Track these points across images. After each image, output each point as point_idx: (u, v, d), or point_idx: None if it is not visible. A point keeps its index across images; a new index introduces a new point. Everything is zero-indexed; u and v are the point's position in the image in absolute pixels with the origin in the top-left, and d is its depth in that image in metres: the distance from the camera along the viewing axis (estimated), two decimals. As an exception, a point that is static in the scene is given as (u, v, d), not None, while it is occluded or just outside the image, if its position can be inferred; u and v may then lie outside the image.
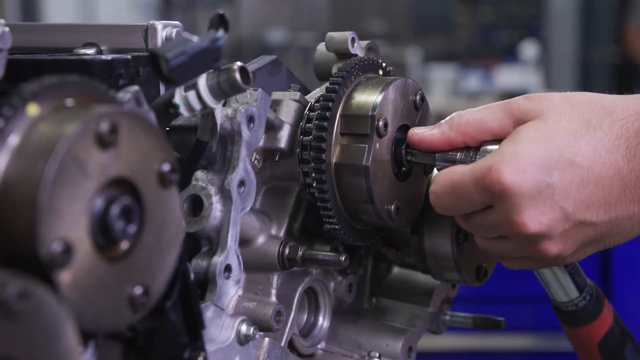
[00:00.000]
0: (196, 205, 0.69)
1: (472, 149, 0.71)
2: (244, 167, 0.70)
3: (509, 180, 0.65)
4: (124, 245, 0.54)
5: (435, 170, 0.76)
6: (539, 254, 0.69)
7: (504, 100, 0.71)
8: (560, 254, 0.68)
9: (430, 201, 0.72)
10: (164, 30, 0.69)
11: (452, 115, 0.72)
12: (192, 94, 0.63)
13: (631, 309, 2.02)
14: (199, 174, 0.70)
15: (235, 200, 0.69)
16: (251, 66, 0.78)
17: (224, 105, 0.69)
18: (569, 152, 0.65)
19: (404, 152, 0.74)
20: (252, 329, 0.69)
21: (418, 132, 0.72)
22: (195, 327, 0.64)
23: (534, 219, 0.65)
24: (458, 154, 0.71)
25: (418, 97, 0.77)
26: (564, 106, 0.67)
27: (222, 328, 0.68)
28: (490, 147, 0.69)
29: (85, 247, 0.51)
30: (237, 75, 0.63)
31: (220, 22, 0.63)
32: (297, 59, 5.51)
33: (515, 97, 0.70)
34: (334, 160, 0.72)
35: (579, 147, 0.65)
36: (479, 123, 0.70)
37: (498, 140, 0.69)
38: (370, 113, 0.72)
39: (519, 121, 0.68)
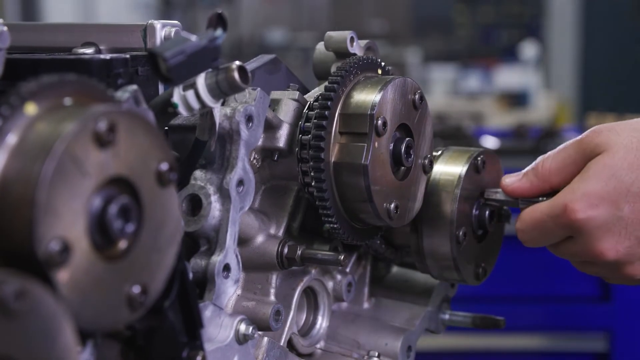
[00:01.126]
0: (195, 205, 0.69)
1: (553, 193, 0.77)
2: (242, 166, 0.70)
3: (584, 217, 0.72)
4: (122, 244, 0.54)
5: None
6: (625, 277, 0.76)
7: (576, 139, 0.76)
8: None
9: (518, 237, 0.78)
10: (162, 29, 0.69)
11: (537, 162, 0.78)
12: (190, 93, 0.63)
13: (631, 309, 2.02)
14: (198, 173, 0.70)
15: (234, 200, 0.69)
16: (250, 65, 0.77)
17: (222, 104, 0.69)
18: (637, 187, 0.71)
19: (485, 192, 0.80)
20: (250, 328, 0.69)
21: (510, 183, 0.79)
22: (193, 327, 0.63)
23: (611, 249, 0.73)
24: (540, 197, 0.78)
25: (417, 96, 0.77)
26: (630, 140, 0.73)
27: (220, 327, 0.68)
28: None
29: (83, 246, 0.51)
30: (236, 75, 0.63)
31: (219, 21, 0.63)
32: (297, 59, 5.51)
33: (586, 132, 0.75)
34: (332, 159, 0.72)
35: None
36: (560, 169, 0.76)
37: None
38: (369, 112, 0.72)
39: (590, 157, 0.74)
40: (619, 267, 0.74)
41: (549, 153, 0.78)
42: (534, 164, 0.78)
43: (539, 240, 0.78)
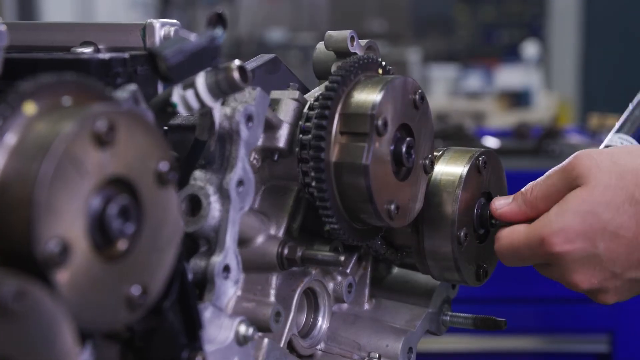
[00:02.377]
0: (194, 205, 0.68)
1: None
2: (242, 166, 0.69)
3: (560, 250, 0.74)
4: (122, 244, 0.53)
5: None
6: (599, 301, 0.79)
7: (560, 167, 0.78)
8: (618, 300, 0.78)
9: (498, 256, 0.81)
10: (162, 28, 0.69)
11: (526, 188, 0.80)
12: (190, 93, 0.63)
13: (634, 310, 2.01)
14: (198, 173, 0.69)
15: (233, 200, 0.68)
16: (250, 65, 0.77)
17: (222, 104, 0.69)
18: (613, 226, 0.73)
19: (488, 215, 0.82)
20: (251, 329, 0.69)
21: (499, 207, 0.81)
22: (193, 328, 0.63)
23: (585, 281, 0.75)
24: None
25: (418, 96, 0.76)
26: (610, 176, 0.74)
27: (220, 328, 0.67)
28: None
29: (83, 247, 0.50)
30: (236, 74, 0.63)
31: (219, 20, 0.63)
32: (296, 59, 5.50)
33: (569, 159, 0.77)
34: (333, 159, 0.72)
35: (622, 221, 0.73)
36: (545, 197, 0.78)
37: None
38: (369, 112, 0.71)
39: (572, 187, 0.76)
40: (593, 294, 0.78)
41: (538, 180, 0.79)
42: (524, 189, 0.80)
43: (515, 263, 0.80)
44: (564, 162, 0.77)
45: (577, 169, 0.75)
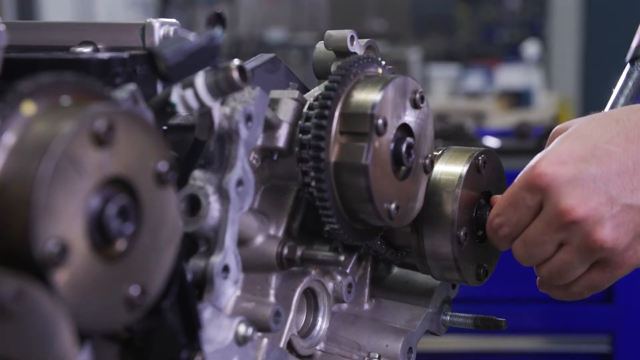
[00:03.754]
0: (194, 205, 0.68)
1: None
2: (242, 166, 0.69)
3: (551, 171, 0.72)
4: (121, 244, 0.53)
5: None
6: (595, 248, 0.71)
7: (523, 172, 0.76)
8: (615, 245, 0.71)
9: (492, 226, 0.78)
10: (161, 28, 0.69)
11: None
12: (189, 93, 0.63)
13: (634, 310, 2.01)
14: (197, 173, 0.69)
15: (233, 200, 0.68)
16: (249, 64, 0.77)
17: (221, 103, 0.69)
18: (603, 142, 0.72)
19: (487, 215, 0.80)
20: (250, 329, 0.69)
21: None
22: (192, 328, 0.63)
23: (580, 204, 0.71)
24: None
25: (418, 95, 0.76)
26: (591, 116, 0.76)
27: (220, 329, 0.67)
28: None
29: (81, 247, 0.50)
30: (235, 74, 0.63)
31: (218, 20, 0.63)
32: (296, 58, 5.50)
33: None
34: (333, 159, 0.72)
35: (611, 136, 0.72)
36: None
37: None
38: (369, 111, 0.71)
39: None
40: (590, 231, 0.71)
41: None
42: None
43: (512, 217, 0.75)
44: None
45: (564, 127, 0.77)
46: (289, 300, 0.76)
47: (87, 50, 0.69)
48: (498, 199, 0.79)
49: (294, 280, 0.77)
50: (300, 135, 0.73)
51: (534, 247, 0.75)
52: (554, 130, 0.78)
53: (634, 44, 0.91)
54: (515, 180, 0.76)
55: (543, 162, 0.72)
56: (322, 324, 0.82)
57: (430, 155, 0.78)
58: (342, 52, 0.79)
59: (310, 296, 0.82)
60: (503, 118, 4.70)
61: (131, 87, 0.59)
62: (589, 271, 0.75)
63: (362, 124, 0.71)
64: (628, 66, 0.91)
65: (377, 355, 0.81)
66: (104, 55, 0.63)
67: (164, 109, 0.63)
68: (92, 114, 0.51)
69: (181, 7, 6.60)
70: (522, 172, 0.75)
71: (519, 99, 5.29)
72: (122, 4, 5.40)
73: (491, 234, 0.79)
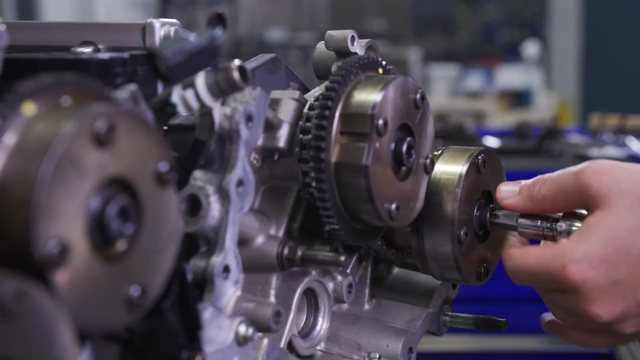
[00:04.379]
0: (194, 205, 0.68)
1: (550, 219, 0.78)
2: (242, 166, 0.69)
3: (581, 279, 0.71)
4: (121, 245, 0.53)
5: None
6: (616, 333, 0.75)
7: (574, 172, 0.74)
8: (637, 331, 0.75)
9: (508, 275, 0.78)
10: (161, 28, 0.69)
11: (534, 182, 0.78)
12: (190, 93, 0.63)
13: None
14: (197, 173, 0.69)
15: (233, 200, 0.68)
16: (250, 65, 0.77)
17: (222, 104, 0.69)
18: (636, 251, 0.71)
19: (488, 215, 0.81)
20: (250, 329, 0.69)
21: (505, 197, 0.79)
22: (193, 328, 0.63)
23: (607, 310, 0.72)
24: (539, 222, 0.78)
25: (418, 95, 0.76)
26: (632, 199, 0.72)
27: (220, 329, 0.67)
28: (563, 225, 0.77)
29: (82, 247, 0.50)
30: (236, 74, 0.63)
31: (218, 20, 0.63)
32: (296, 58, 5.50)
33: (584, 167, 0.74)
34: (333, 159, 0.72)
35: None
36: (554, 199, 0.76)
37: (570, 213, 0.77)
38: (369, 112, 0.71)
39: (586, 203, 0.74)
40: (613, 325, 0.74)
41: (547, 177, 0.77)
42: (531, 182, 0.78)
43: (528, 284, 0.77)
44: (578, 169, 0.74)
45: (595, 187, 0.72)
46: (289, 301, 0.76)
47: (87, 50, 0.68)
48: (515, 254, 0.77)
49: (295, 280, 0.77)
50: (300, 135, 0.73)
51: (553, 309, 0.79)
52: (593, 173, 0.73)
53: None
54: (540, 261, 0.73)
55: (574, 268, 0.71)
56: (322, 324, 0.82)
57: (430, 156, 0.78)
58: (342, 53, 0.79)
59: (310, 296, 0.82)
60: (503, 118, 4.71)
61: (132, 87, 0.59)
62: (602, 335, 0.78)
63: (362, 125, 0.71)
64: None
65: (377, 356, 0.81)
66: (104, 55, 0.63)
67: (165, 109, 0.63)
68: (92, 114, 0.51)
69: (181, 7, 6.60)
70: (549, 259, 0.73)
71: (519, 99, 5.29)
72: (122, 4, 5.40)
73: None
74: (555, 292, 0.76)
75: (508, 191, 0.79)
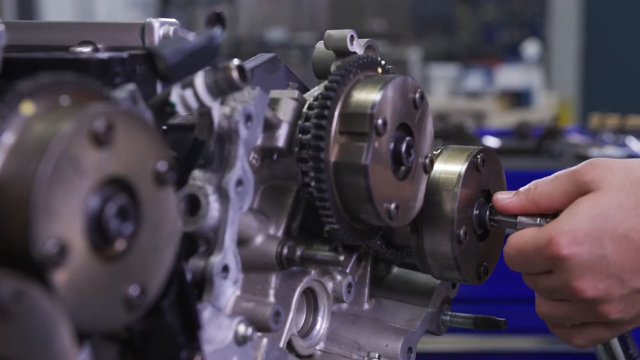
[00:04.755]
0: (193, 205, 0.68)
1: (549, 216, 0.78)
2: (241, 166, 0.69)
3: (567, 252, 0.72)
4: (120, 244, 0.53)
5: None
6: (600, 317, 0.75)
7: (572, 169, 0.77)
8: (621, 317, 0.75)
9: (504, 259, 0.79)
10: (161, 28, 0.69)
11: (531, 184, 0.79)
12: (189, 92, 0.63)
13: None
14: (196, 173, 0.69)
15: (232, 200, 0.68)
16: (249, 64, 0.77)
17: (221, 103, 0.69)
18: (624, 228, 0.72)
19: (487, 217, 0.82)
20: (250, 329, 0.69)
21: (501, 199, 0.81)
22: (192, 328, 0.63)
23: (591, 286, 0.73)
24: (538, 219, 0.79)
25: (417, 95, 0.76)
26: (623, 182, 0.73)
27: (219, 328, 0.67)
28: None
29: (81, 247, 0.50)
30: (235, 74, 0.63)
31: (217, 20, 0.63)
32: (296, 58, 5.50)
33: (582, 164, 0.76)
34: (332, 159, 0.72)
35: (633, 224, 0.72)
36: (550, 195, 0.77)
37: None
38: (369, 111, 0.71)
39: (582, 191, 0.75)
40: (596, 305, 0.74)
41: (544, 179, 0.78)
42: (528, 185, 0.80)
43: (521, 267, 0.78)
44: (575, 167, 0.76)
45: (590, 175, 0.74)
46: (288, 300, 0.76)
47: (86, 50, 0.68)
48: (510, 238, 0.78)
49: (294, 280, 0.77)
50: (299, 135, 0.73)
51: (540, 291, 0.79)
52: (589, 164, 0.75)
53: None
54: (530, 238, 0.75)
55: (560, 239, 0.72)
56: (322, 323, 0.82)
57: (430, 155, 0.78)
58: (342, 52, 0.79)
59: (310, 296, 0.82)
60: (503, 118, 4.71)
61: (131, 86, 0.59)
62: (595, 325, 0.78)
63: (361, 124, 0.71)
64: None
65: (377, 355, 0.81)
66: (103, 55, 0.63)
67: (164, 108, 0.63)
68: (91, 113, 0.51)
69: (181, 7, 6.60)
70: (537, 236, 0.74)
71: (519, 99, 5.29)
72: (122, 4, 5.40)
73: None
74: (543, 275, 0.76)
75: (505, 194, 0.80)
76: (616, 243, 0.72)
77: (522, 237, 0.77)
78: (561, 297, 0.77)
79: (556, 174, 0.78)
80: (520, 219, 0.79)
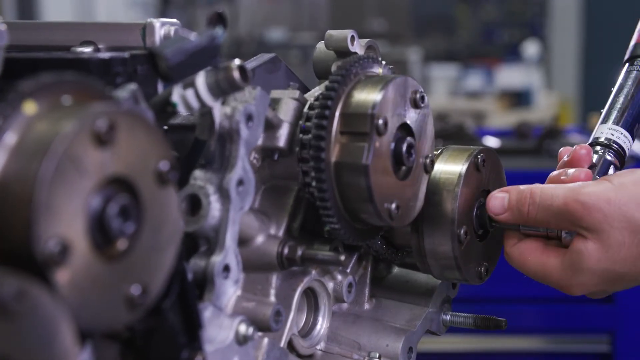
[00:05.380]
0: (194, 205, 0.68)
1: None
2: (242, 166, 0.69)
3: (577, 293, 0.78)
4: (122, 244, 0.53)
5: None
6: (562, 287, 0.79)
7: (566, 206, 0.74)
8: (580, 292, 0.79)
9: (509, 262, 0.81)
10: (162, 28, 0.69)
11: (522, 201, 0.78)
12: (190, 92, 0.63)
13: (634, 310, 2.01)
14: (198, 172, 0.69)
15: (233, 200, 0.68)
16: (250, 64, 0.77)
17: (222, 103, 0.69)
18: (630, 277, 0.75)
19: (488, 217, 0.81)
20: (250, 329, 0.69)
21: (495, 212, 0.79)
22: (193, 327, 0.63)
23: (583, 290, 0.78)
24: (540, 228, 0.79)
25: (418, 95, 0.76)
26: (623, 235, 0.73)
27: (220, 328, 0.67)
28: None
29: (83, 246, 0.50)
30: (236, 74, 0.63)
31: (219, 20, 0.63)
32: (296, 58, 5.50)
33: (575, 205, 0.74)
34: (333, 159, 0.72)
35: (637, 276, 0.75)
36: (544, 222, 0.77)
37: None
38: (369, 111, 0.71)
39: (577, 230, 0.75)
40: (571, 275, 0.77)
41: (536, 196, 0.76)
42: (518, 198, 0.77)
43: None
44: (567, 204, 0.73)
45: (587, 221, 0.73)
46: (289, 300, 0.76)
47: (88, 50, 0.68)
48: (515, 255, 0.79)
49: (295, 280, 0.77)
50: (300, 135, 0.73)
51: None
52: (583, 209, 0.73)
53: (632, 42, 0.90)
54: (547, 272, 0.77)
55: (572, 289, 0.77)
56: (322, 323, 0.82)
57: (430, 155, 0.79)
58: (342, 52, 0.79)
59: (310, 296, 0.82)
60: (503, 118, 4.71)
61: (132, 86, 0.59)
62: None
63: (362, 124, 0.71)
64: (627, 65, 0.90)
65: (377, 355, 0.81)
66: (104, 54, 0.63)
67: (165, 108, 0.63)
68: (93, 113, 0.51)
69: (181, 7, 6.60)
70: (555, 277, 0.77)
71: (519, 99, 5.29)
72: (122, 4, 5.40)
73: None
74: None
75: (497, 206, 0.79)
76: (624, 284, 0.77)
77: (546, 266, 0.78)
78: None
79: (550, 201, 0.75)
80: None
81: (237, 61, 0.64)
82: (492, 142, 2.64)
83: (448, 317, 0.88)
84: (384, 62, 0.79)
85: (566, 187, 0.75)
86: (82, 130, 0.50)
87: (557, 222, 0.76)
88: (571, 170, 0.79)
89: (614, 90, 0.87)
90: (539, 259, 0.78)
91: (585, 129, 3.13)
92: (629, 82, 0.87)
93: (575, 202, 0.73)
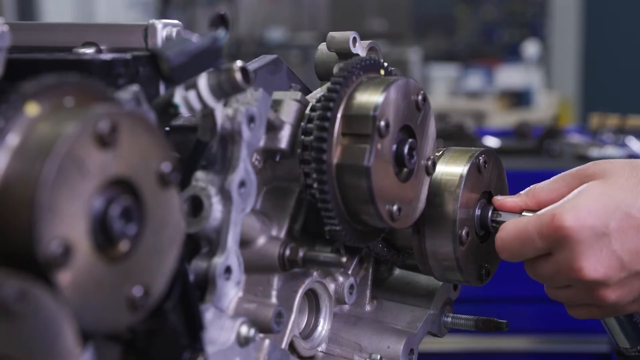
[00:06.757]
0: (196, 206, 0.68)
1: None
2: (244, 167, 0.69)
3: (569, 226, 0.72)
4: (124, 245, 0.53)
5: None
6: (599, 300, 0.76)
7: (573, 169, 0.79)
8: (618, 301, 0.75)
9: (495, 247, 0.79)
10: (164, 29, 0.69)
11: (529, 187, 0.81)
12: (192, 94, 0.63)
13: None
14: (199, 174, 0.69)
15: (235, 201, 0.68)
16: (252, 65, 0.77)
17: (224, 105, 0.69)
18: (625, 206, 0.72)
19: (489, 218, 0.82)
20: (252, 330, 0.69)
21: (501, 199, 0.82)
22: (194, 329, 0.63)
23: (591, 266, 0.72)
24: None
25: (420, 97, 0.76)
26: (623, 168, 0.75)
27: (222, 330, 0.67)
28: None
29: (85, 247, 0.50)
30: (238, 75, 0.63)
31: (221, 21, 0.63)
32: (296, 58, 5.50)
33: (586, 164, 0.79)
34: (335, 160, 0.72)
35: (635, 201, 0.73)
36: (551, 190, 0.79)
37: None
38: (371, 113, 0.71)
39: (584, 183, 0.77)
40: (596, 288, 0.74)
41: (544, 181, 0.80)
42: (528, 188, 0.81)
43: (517, 252, 0.77)
44: (578, 167, 0.79)
45: (592, 169, 0.77)
46: (290, 302, 0.76)
47: (89, 51, 0.68)
48: (507, 223, 0.78)
49: (296, 281, 0.77)
50: (302, 136, 0.73)
51: (540, 278, 0.79)
52: (592, 163, 0.78)
53: None
54: (532, 218, 0.75)
55: (563, 215, 0.72)
56: (323, 325, 0.82)
57: (432, 157, 0.79)
58: (344, 54, 0.79)
59: (312, 297, 0.82)
60: (503, 118, 4.71)
61: (134, 88, 0.60)
62: (591, 305, 0.79)
63: (364, 126, 0.71)
64: None
65: (378, 357, 0.81)
66: (106, 56, 0.63)
67: (167, 110, 0.63)
68: (95, 115, 0.51)
69: (181, 7, 6.60)
70: (539, 215, 0.75)
71: (519, 98, 5.29)
72: (123, 5, 5.40)
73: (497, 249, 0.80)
74: (543, 259, 0.76)
75: (504, 197, 0.82)
76: (618, 220, 0.72)
77: (521, 220, 0.77)
78: (562, 281, 0.77)
79: (559, 175, 0.80)
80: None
81: (239, 63, 0.64)
82: (492, 142, 2.64)
83: (449, 319, 0.88)
84: (385, 64, 0.79)
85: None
86: (85, 131, 0.50)
87: (564, 183, 0.78)
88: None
89: None
90: (525, 217, 0.78)
91: (585, 129, 3.13)
92: None
93: (588, 164, 0.78)
